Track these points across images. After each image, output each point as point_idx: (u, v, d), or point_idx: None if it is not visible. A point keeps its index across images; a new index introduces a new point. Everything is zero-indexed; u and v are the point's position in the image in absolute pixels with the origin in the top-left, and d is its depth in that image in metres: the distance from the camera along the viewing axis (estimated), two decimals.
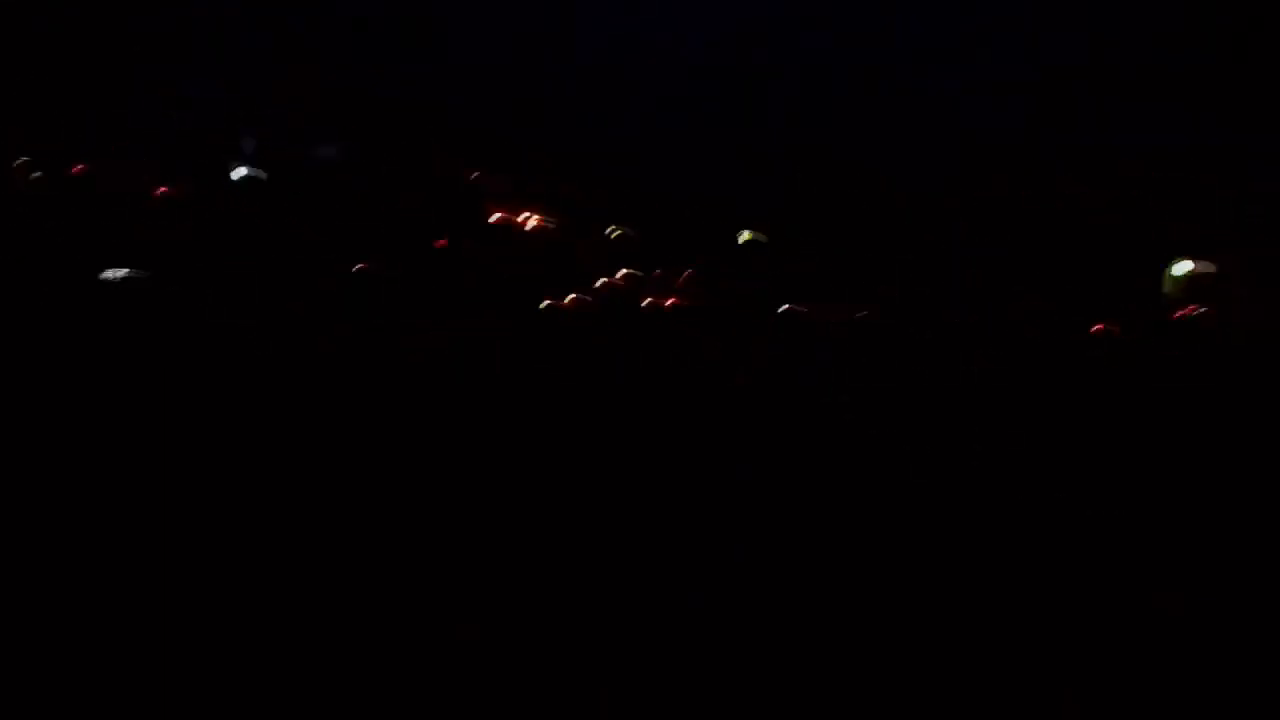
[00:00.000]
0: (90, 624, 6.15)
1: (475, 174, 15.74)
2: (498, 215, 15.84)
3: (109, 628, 6.14)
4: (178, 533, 7.57)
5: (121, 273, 15.76)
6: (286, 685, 5.77)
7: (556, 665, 6.16)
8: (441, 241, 16.29)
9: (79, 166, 14.76)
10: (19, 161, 14.03)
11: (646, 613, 6.81)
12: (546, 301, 16.80)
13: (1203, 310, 17.74)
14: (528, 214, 15.79)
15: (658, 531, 8.53)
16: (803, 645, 6.45)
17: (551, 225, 16.12)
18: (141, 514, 7.87)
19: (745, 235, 17.20)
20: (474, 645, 6.32)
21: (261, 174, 15.92)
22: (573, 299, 16.90)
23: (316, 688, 5.77)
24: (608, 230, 16.83)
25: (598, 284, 16.99)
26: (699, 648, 6.33)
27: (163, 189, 15.21)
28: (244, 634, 6.19)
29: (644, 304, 17.18)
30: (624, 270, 17.15)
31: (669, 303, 17.52)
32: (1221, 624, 6.83)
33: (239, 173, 15.87)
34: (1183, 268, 22.45)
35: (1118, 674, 6.23)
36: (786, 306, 16.42)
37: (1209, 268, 19.55)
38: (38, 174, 13.82)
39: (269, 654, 6.02)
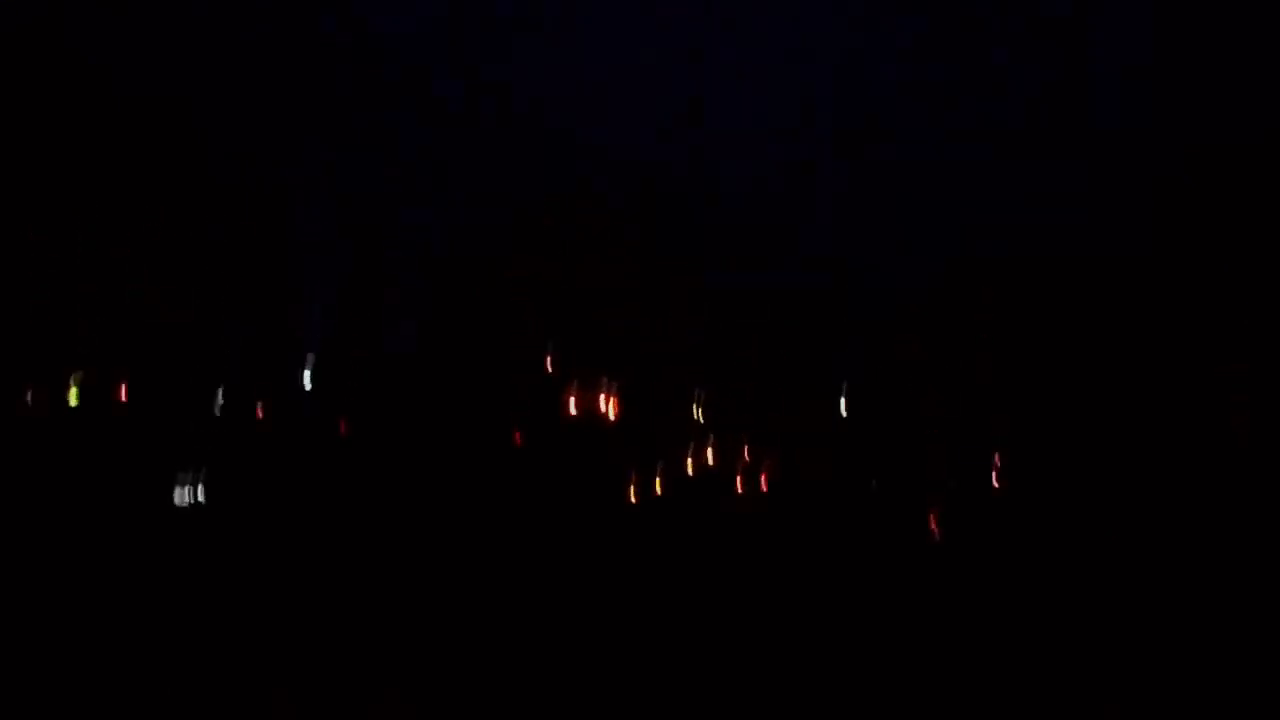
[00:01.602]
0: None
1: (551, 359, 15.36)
2: (575, 403, 15.42)
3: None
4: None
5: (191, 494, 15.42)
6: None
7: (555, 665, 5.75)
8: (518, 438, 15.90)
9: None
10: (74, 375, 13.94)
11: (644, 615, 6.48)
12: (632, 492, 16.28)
13: None
14: (606, 397, 15.33)
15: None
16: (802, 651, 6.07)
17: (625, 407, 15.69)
18: None
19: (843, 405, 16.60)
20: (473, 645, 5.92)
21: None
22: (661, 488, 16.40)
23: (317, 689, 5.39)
24: (694, 406, 16.38)
25: (688, 469, 16.47)
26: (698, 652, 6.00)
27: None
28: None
29: (738, 489, 16.59)
30: (710, 451, 16.59)
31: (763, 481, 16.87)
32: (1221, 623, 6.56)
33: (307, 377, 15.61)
34: None
35: (1116, 673, 5.83)
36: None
37: None
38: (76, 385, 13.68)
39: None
